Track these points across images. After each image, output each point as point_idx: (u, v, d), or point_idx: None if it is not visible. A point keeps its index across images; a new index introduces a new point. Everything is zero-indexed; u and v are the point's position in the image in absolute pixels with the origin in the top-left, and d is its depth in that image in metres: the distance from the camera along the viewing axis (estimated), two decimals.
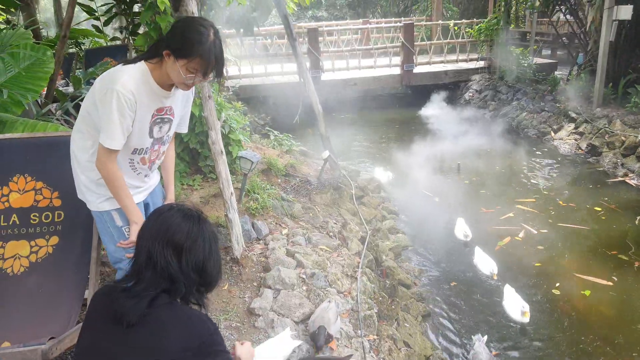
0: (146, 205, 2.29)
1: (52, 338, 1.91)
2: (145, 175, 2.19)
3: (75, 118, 5.23)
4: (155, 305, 1.35)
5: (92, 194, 2.05)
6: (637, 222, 5.45)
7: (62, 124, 4.23)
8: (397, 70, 11.50)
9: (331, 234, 4.43)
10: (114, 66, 1.96)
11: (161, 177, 2.46)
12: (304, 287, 3.33)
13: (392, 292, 3.95)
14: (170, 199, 2.37)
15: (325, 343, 2.65)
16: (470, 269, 4.61)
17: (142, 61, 1.90)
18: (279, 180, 5.21)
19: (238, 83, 9.60)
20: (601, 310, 3.97)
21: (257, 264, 3.58)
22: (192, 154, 4.53)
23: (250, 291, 3.26)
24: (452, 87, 12.24)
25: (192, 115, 4.21)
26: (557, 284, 4.31)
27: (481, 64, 11.89)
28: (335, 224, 4.68)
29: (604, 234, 5.20)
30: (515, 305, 3.69)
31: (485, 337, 3.38)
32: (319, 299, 3.20)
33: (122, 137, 1.87)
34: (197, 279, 1.43)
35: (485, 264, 4.44)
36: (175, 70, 1.82)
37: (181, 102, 2.16)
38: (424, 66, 11.85)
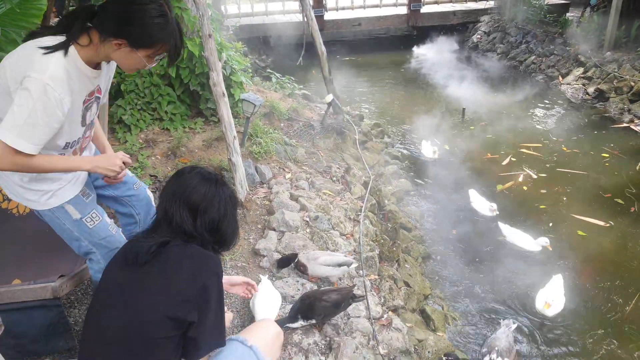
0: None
1: (62, 276, 1.95)
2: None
3: None
4: (169, 245, 1.43)
5: (32, 193, 1.69)
6: (638, 168, 5.46)
7: None
8: (403, 10, 11.07)
9: (334, 178, 4.44)
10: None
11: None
12: (308, 230, 3.38)
13: (394, 234, 4.02)
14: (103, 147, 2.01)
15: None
16: (470, 217, 4.61)
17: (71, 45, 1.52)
18: (282, 125, 5.16)
19: (238, 22, 9.26)
20: (600, 248, 4.09)
21: (261, 207, 3.62)
22: (193, 96, 4.45)
23: (255, 233, 3.32)
24: (460, 28, 11.82)
25: (192, 55, 4.10)
26: (551, 224, 4.44)
27: (491, 4, 11.43)
28: (339, 168, 4.69)
29: (605, 180, 5.22)
30: (543, 295, 3.31)
31: (516, 325, 3.04)
32: (322, 241, 3.26)
33: (42, 142, 1.49)
34: (211, 238, 1.51)
35: (524, 240, 4.04)
36: (135, 59, 1.56)
37: (105, 74, 1.76)
38: (431, 5, 11.40)
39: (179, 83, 4.28)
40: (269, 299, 2.43)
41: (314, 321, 2.41)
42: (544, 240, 3.94)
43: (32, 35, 1.53)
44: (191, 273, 1.40)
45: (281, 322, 2.38)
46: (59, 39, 1.49)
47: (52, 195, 1.71)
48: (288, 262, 2.88)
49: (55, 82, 1.41)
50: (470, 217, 4.61)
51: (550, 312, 3.21)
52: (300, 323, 2.38)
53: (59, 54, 1.45)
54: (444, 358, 2.63)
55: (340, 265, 2.81)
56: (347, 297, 2.48)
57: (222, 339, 1.48)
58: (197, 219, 1.47)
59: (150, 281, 1.39)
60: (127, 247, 1.49)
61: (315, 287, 2.79)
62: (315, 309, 2.35)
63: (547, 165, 5.57)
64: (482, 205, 4.64)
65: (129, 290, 1.40)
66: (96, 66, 1.60)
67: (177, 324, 1.36)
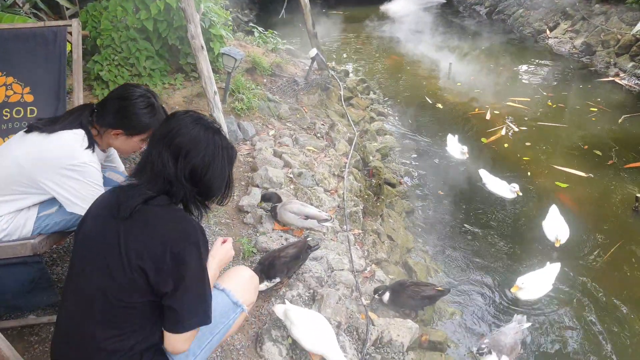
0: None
1: (40, 234, 1.93)
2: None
3: (45, 12, 4.85)
4: (153, 203, 1.37)
5: (15, 234, 1.86)
6: (620, 121, 5.51)
7: (30, 18, 3.94)
8: None
9: (319, 135, 4.41)
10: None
11: None
12: (292, 186, 3.38)
13: (378, 190, 4.04)
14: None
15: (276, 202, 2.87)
16: (459, 180, 4.55)
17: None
18: (265, 80, 5.05)
19: None
20: (581, 196, 4.25)
21: (245, 164, 3.59)
22: (172, 51, 4.31)
23: (238, 190, 3.30)
24: None
25: (170, 7, 3.94)
26: (529, 174, 4.54)
27: None
28: (323, 125, 4.64)
29: (588, 133, 5.28)
30: (521, 278, 3.13)
31: (529, 324, 2.85)
32: (306, 197, 3.27)
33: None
34: (192, 187, 1.42)
35: (554, 227, 3.69)
36: (131, 144, 1.88)
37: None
38: None
39: (156, 37, 4.12)
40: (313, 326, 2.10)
41: (278, 279, 2.37)
42: (558, 234, 3.62)
43: (34, 127, 1.79)
44: (166, 240, 1.32)
45: None
46: (80, 132, 1.81)
47: (25, 222, 1.87)
48: (270, 199, 2.89)
49: (94, 160, 1.82)
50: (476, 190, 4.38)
51: (522, 296, 3.10)
52: (265, 284, 2.32)
53: (87, 148, 1.81)
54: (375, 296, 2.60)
55: (307, 217, 2.79)
56: (303, 249, 2.50)
57: (206, 317, 1.38)
58: (178, 164, 1.37)
59: (129, 240, 1.34)
60: (111, 197, 1.43)
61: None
62: (276, 266, 2.33)
63: (530, 119, 5.60)
64: (500, 186, 4.23)
65: (108, 247, 1.36)
66: (105, 150, 1.98)
67: (152, 290, 1.32)
